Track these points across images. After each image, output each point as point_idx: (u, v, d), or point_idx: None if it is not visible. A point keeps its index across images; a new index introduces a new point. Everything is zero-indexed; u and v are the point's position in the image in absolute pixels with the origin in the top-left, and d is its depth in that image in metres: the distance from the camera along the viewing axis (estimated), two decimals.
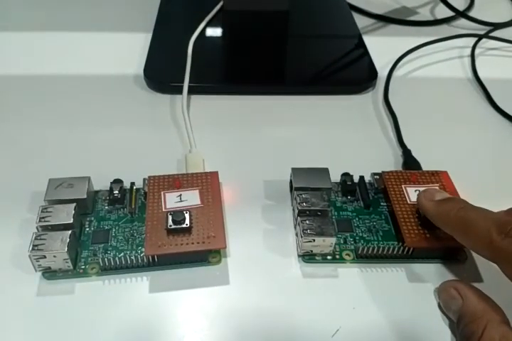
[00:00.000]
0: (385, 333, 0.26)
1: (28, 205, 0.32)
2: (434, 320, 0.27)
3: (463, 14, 0.51)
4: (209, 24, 0.48)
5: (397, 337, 0.26)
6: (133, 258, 0.28)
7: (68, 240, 0.27)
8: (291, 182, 0.33)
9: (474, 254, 0.30)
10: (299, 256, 0.30)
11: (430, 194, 0.29)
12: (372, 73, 0.44)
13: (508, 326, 0.24)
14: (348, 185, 0.33)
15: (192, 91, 0.41)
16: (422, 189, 0.31)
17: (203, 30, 0.47)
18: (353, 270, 0.29)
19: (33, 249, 0.27)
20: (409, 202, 0.31)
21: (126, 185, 0.32)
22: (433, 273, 0.29)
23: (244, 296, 0.28)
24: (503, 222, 0.24)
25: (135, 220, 0.31)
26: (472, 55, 0.48)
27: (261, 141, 0.38)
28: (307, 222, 0.29)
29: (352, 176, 0.33)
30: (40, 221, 0.28)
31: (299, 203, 0.30)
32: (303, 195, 0.30)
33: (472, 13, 0.52)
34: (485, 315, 0.24)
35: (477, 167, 0.37)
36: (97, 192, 0.32)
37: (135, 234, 0.30)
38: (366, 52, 0.46)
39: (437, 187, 0.31)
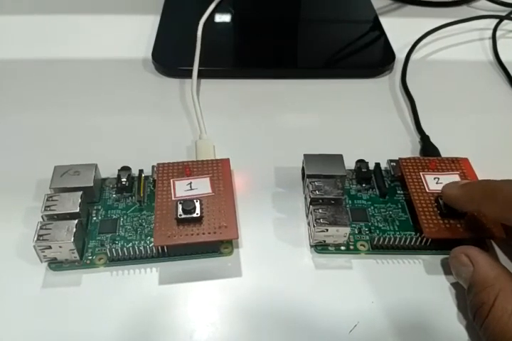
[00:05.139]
0: (403, 326, 0.26)
1: (34, 193, 0.31)
2: (453, 313, 0.26)
3: None
4: (219, 6, 0.47)
5: (416, 331, 0.25)
6: (141, 248, 0.27)
7: (74, 230, 0.26)
8: (303, 169, 0.32)
9: (496, 246, 0.29)
10: (311, 246, 0.29)
11: (453, 182, 0.28)
12: (389, 56, 0.42)
13: None
14: (363, 172, 0.32)
15: (201, 75, 0.40)
16: (441, 176, 0.30)
17: (213, 13, 0.46)
18: (368, 261, 0.28)
19: (38, 239, 0.26)
20: (427, 190, 0.30)
21: (135, 172, 0.31)
22: None
23: (257, 288, 0.27)
24: None
25: (144, 209, 0.30)
26: (493, 37, 0.46)
27: (273, 126, 0.37)
28: (320, 210, 0.28)
29: (367, 163, 0.32)
30: (45, 210, 0.27)
31: (311, 191, 0.29)
32: (315, 183, 0.29)
33: None
34: (497, 283, 0.23)
35: (499, 153, 0.35)
36: (104, 179, 0.32)
37: (144, 224, 0.29)
38: (383, 34, 0.45)
39: (457, 175, 0.30)
